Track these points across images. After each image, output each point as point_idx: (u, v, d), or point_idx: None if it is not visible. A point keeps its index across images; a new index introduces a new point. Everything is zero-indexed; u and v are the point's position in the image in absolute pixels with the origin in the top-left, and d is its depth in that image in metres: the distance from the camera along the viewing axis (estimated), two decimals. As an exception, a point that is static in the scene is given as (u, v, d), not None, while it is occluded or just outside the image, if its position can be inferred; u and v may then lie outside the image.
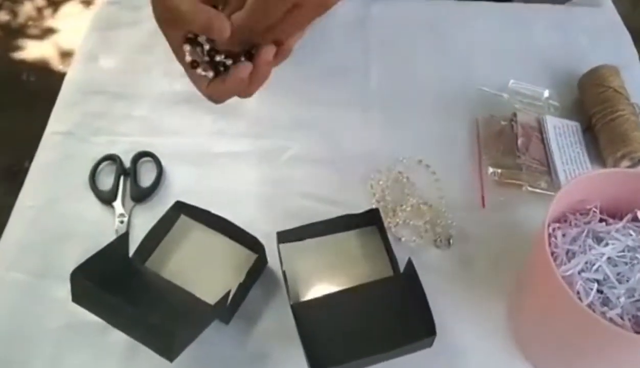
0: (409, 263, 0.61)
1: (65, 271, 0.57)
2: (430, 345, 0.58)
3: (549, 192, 0.71)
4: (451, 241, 0.68)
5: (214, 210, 0.67)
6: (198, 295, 0.62)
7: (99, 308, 0.57)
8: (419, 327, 0.58)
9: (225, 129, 0.77)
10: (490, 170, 0.73)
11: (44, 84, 2.01)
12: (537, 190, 0.71)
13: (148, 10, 0.89)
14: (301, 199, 0.72)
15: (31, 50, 2.13)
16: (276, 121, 0.78)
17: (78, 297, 0.57)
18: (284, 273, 0.63)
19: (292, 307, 0.60)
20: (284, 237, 0.66)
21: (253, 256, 0.65)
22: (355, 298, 0.62)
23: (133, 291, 0.61)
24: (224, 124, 0.78)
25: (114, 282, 0.58)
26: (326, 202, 0.71)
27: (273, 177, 0.74)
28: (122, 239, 0.63)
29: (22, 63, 2.09)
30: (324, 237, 0.68)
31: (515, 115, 0.76)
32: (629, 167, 0.73)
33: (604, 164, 0.74)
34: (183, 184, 0.74)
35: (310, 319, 0.60)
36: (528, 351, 0.61)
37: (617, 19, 0.91)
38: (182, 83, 0.81)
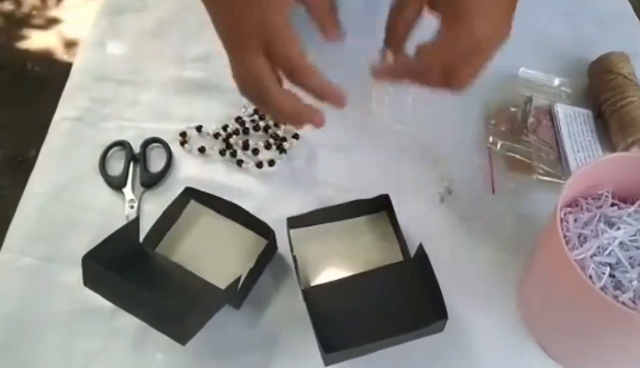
0: (420, 248, 0.61)
1: (76, 256, 0.57)
2: (441, 329, 0.58)
3: (559, 181, 0.71)
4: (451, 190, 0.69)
5: (223, 196, 0.67)
6: (208, 280, 0.62)
7: (110, 292, 0.58)
8: (430, 311, 0.58)
9: (235, 113, 0.77)
10: (498, 143, 0.73)
11: (49, 73, 2.01)
12: (546, 178, 0.71)
13: (156, -4, 0.90)
14: (311, 185, 0.72)
15: (35, 40, 2.13)
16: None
17: (89, 281, 0.58)
18: (294, 258, 0.63)
19: (304, 291, 0.61)
20: (294, 222, 0.66)
21: (263, 242, 0.65)
22: (366, 283, 0.62)
23: (144, 276, 0.61)
24: (234, 110, 0.78)
25: (124, 267, 0.58)
26: (336, 188, 0.71)
27: (283, 163, 0.74)
28: (133, 224, 0.63)
29: (27, 53, 2.09)
30: (334, 222, 0.68)
31: (531, 98, 0.76)
32: None
33: (614, 151, 0.73)
34: (193, 170, 0.73)
35: (321, 303, 0.60)
36: (539, 334, 0.61)
37: (627, 5, 0.91)
38: (190, 69, 0.82)
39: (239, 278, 0.60)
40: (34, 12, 2.21)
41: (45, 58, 2.08)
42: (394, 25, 0.59)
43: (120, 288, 0.56)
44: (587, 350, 0.58)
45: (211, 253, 0.66)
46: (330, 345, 0.55)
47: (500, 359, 0.61)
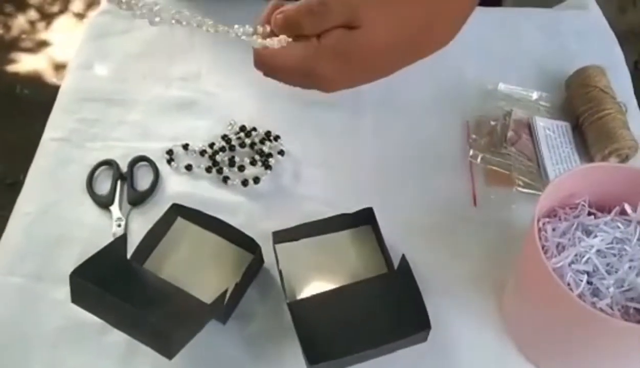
0: (403, 260, 0.62)
1: (64, 274, 0.58)
2: (425, 339, 0.59)
3: (538, 192, 0.72)
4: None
5: (210, 213, 0.68)
6: (196, 295, 0.63)
7: (98, 308, 0.58)
8: (413, 321, 0.59)
9: (221, 131, 0.79)
10: (479, 156, 0.75)
11: (38, 96, 2.01)
12: (526, 190, 0.72)
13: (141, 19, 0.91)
14: (296, 200, 0.73)
15: (25, 63, 2.14)
16: (270, 125, 0.79)
17: (77, 297, 0.58)
18: (280, 272, 0.64)
19: (289, 305, 0.61)
20: (280, 237, 0.67)
21: (250, 256, 0.66)
22: (350, 295, 0.63)
23: (131, 292, 0.61)
24: (221, 128, 0.79)
25: (112, 283, 0.59)
26: (320, 202, 0.72)
27: (268, 179, 0.75)
28: (120, 240, 0.64)
29: (16, 76, 2.10)
30: (319, 236, 0.69)
31: (510, 112, 0.78)
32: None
33: (592, 162, 0.75)
34: (180, 187, 0.74)
35: (307, 316, 0.60)
36: (521, 343, 0.62)
37: (604, 21, 0.93)
38: (176, 88, 0.84)
39: (225, 292, 0.61)
40: (23, 36, 2.22)
41: (34, 81, 2.09)
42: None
43: (107, 304, 0.57)
44: (568, 356, 0.59)
45: (198, 268, 0.67)
46: (315, 356, 0.56)
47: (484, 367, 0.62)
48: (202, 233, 0.69)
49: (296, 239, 0.68)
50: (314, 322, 0.60)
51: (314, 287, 0.65)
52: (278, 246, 0.67)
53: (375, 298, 0.62)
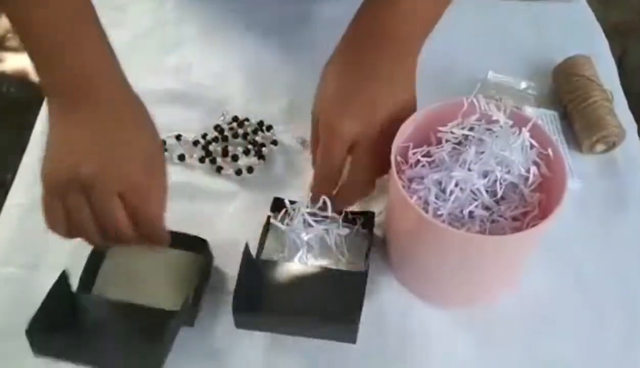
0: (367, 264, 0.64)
1: (58, 262, 0.60)
2: (353, 340, 0.60)
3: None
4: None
5: (204, 202, 0.69)
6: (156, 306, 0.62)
7: (65, 354, 0.59)
8: (342, 314, 0.61)
9: (213, 122, 0.79)
10: None
11: (24, 95, 2.00)
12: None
13: (131, 11, 0.92)
14: (289, 190, 0.73)
15: (10, 62, 2.12)
16: (263, 115, 0.80)
17: (40, 350, 0.59)
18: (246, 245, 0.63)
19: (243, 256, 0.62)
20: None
21: (198, 256, 0.64)
22: (304, 275, 0.64)
23: (92, 324, 0.61)
24: (213, 119, 0.79)
25: (72, 323, 0.60)
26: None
27: (261, 169, 0.76)
28: (61, 280, 0.61)
29: (1, 75, 2.09)
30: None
31: (500, 99, 0.78)
32: (604, 150, 0.76)
33: (580, 149, 0.77)
34: (173, 178, 0.71)
35: (258, 275, 0.63)
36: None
37: (589, 12, 0.95)
38: (169, 80, 0.84)
39: (187, 298, 0.60)
40: (9, 35, 2.20)
41: (20, 80, 2.08)
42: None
43: (74, 347, 0.58)
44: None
45: (149, 281, 0.65)
46: (240, 306, 0.58)
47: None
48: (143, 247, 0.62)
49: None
50: (256, 280, 0.62)
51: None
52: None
53: (325, 286, 0.63)
